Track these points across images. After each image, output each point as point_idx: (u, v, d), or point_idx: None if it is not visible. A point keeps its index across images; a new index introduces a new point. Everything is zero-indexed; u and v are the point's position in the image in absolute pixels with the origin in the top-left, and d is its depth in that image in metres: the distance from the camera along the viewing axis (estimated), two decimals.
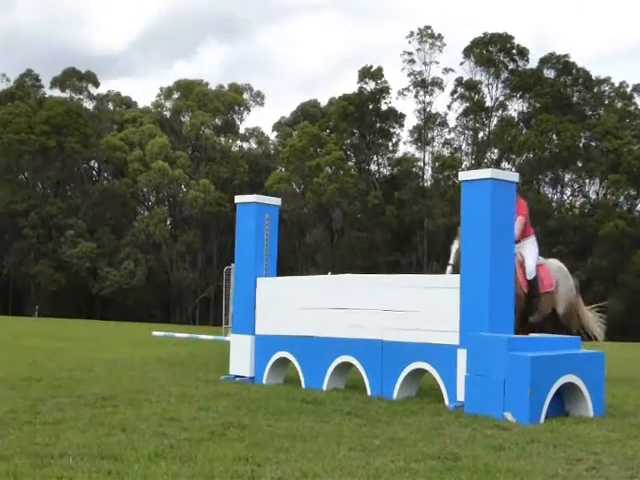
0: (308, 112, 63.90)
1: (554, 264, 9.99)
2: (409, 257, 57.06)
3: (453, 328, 6.87)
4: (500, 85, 58.86)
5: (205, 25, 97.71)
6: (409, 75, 59.23)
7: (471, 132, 59.52)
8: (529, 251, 9.52)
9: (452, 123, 59.58)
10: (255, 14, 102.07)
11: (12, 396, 6.50)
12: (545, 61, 58.10)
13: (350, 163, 60.92)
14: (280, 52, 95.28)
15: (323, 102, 65.20)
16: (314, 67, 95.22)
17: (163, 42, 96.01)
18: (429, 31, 58.38)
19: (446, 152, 59.40)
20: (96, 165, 65.19)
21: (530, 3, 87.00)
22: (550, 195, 58.52)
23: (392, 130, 60.93)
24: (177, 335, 19.17)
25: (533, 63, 58.20)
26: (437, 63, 58.95)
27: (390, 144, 61.45)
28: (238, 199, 9.38)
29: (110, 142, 59.10)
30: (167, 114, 64.80)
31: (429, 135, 59.82)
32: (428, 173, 60.18)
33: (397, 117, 60.12)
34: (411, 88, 59.18)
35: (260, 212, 9.01)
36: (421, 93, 59.14)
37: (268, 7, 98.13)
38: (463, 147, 60.23)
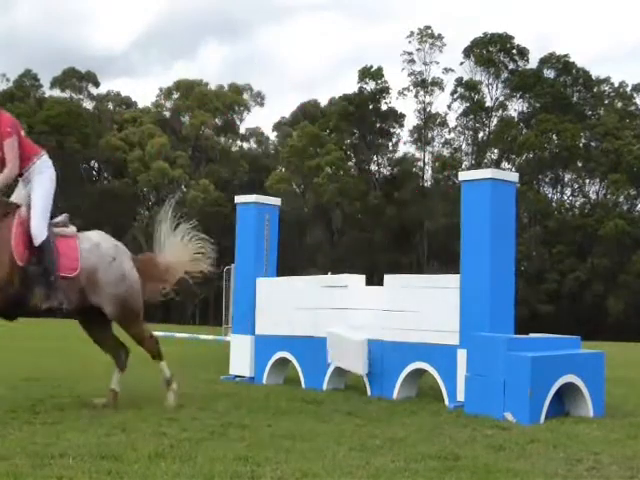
0: (308, 112, 63.85)
1: (92, 238, 6.46)
2: (409, 257, 57.03)
3: (453, 328, 6.87)
4: (500, 85, 58.88)
5: (205, 25, 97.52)
6: (409, 75, 59.27)
7: (471, 132, 59.53)
8: (39, 197, 6.11)
9: (452, 123, 59.66)
10: (255, 14, 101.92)
11: (12, 396, 6.50)
12: (545, 61, 58.09)
13: (350, 163, 60.90)
14: (280, 52, 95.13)
15: (323, 102, 65.19)
16: (314, 67, 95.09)
17: (163, 42, 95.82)
18: (429, 31, 58.40)
19: (446, 152, 59.41)
20: (96, 165, 65.18)
21: (530, 3, 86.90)
22: (550, 195, 58.50)
23: (392, 130, 60.90)
24: (177, 335, 19.15)
25: (533, 63, 58.27)
26: (437, 63, 59.01)
27: (390, 144, 61.44)
28: (238, 199, 9.37)
29: (110, 142, 59.10)
30: (167, 114, 64.82)
31: (429, 135, 59.82)
32: (428, 173, 60.25)
33: (397, 117, 60.09)
34: (411, 88, 59.21)
35: (260, 212, 9.01)
36: (421, 93, 59.17)
37: (268, 7, 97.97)
38: (463, 147, 60.27)
